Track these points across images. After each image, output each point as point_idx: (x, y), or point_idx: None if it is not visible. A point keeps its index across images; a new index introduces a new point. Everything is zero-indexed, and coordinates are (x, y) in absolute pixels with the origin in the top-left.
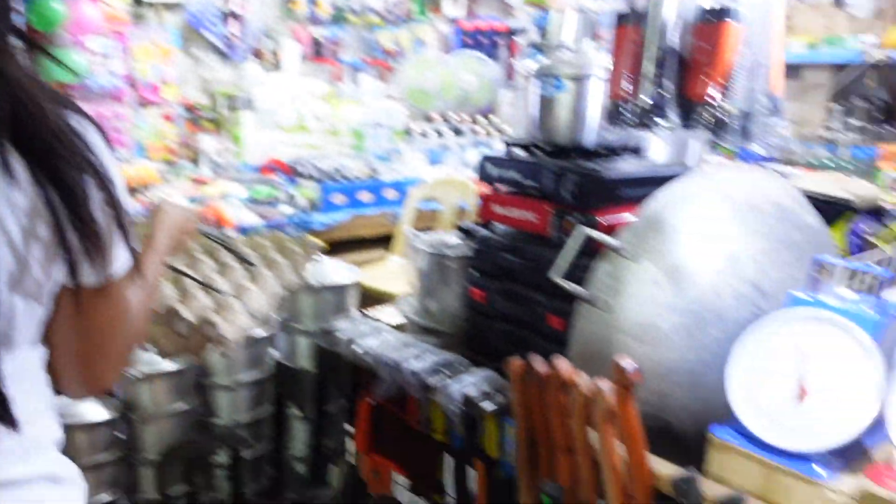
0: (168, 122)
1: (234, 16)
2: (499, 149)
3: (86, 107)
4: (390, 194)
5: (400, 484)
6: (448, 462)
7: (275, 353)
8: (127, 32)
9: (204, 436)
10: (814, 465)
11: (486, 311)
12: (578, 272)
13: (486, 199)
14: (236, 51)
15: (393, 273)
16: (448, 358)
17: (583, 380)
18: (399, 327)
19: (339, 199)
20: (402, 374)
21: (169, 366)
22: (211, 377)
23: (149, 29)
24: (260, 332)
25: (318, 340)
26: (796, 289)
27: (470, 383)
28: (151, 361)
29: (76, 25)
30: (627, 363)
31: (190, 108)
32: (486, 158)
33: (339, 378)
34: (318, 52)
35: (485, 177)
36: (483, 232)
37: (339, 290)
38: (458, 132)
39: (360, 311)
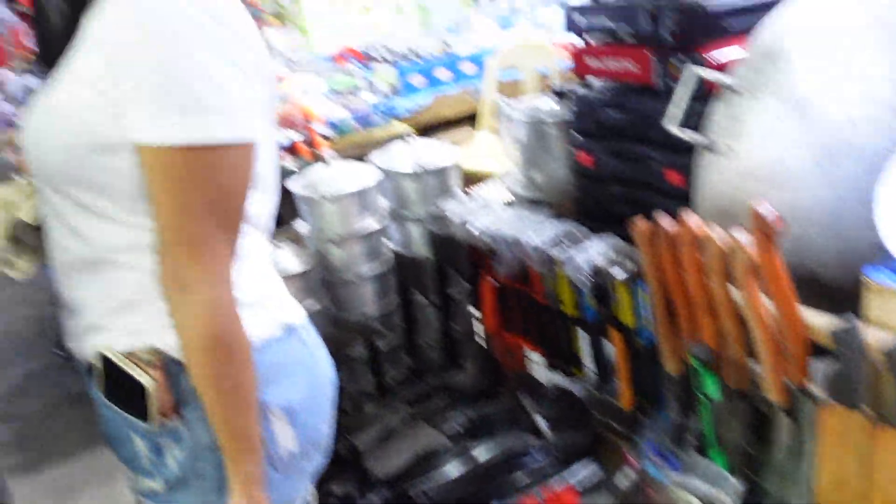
0: None
1: None
2: None
3: None
4: (468, 68)
5: (535, 361)
6: (582, 335)
7: (390, 244)
8: None
9: (340, 330)
10: None
11: (596, 174)
12: (693, 119)
13: (577, 54)
14: None
15: (485, 150)
16: (566, 227)
17: (717, 234)
18: (505, 202)
19: (417, 80)
20: (522, 248)
21: (295, 267)
22: (335, 274)
23: None
24: (373, 225)
25: (430, 226)
26: None
27: (594, 251)
28: (278, 265)
29: None
30: (767, 210)
31: (250, 4)
32: (571, 9)
33: (458, 261)
34: None
35: (572, 28)
36: (579, 91)
37: (442, 173)
38: None
39: (465, 191)
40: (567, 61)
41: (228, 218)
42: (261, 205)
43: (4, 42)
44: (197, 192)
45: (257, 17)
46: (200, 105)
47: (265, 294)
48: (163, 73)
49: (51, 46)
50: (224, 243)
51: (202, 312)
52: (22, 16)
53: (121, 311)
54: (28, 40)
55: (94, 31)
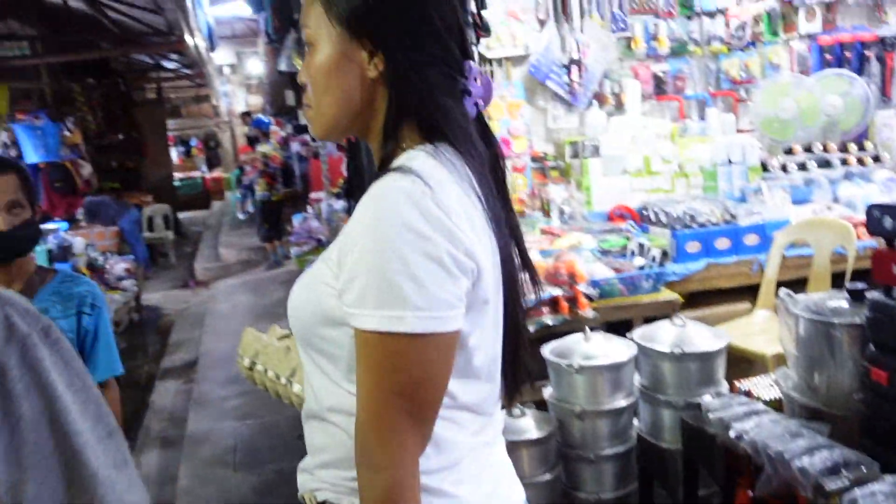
0: (518, 173)
1: (575, 63)
2: (883, 181)
3: None
4: (750, 240)
5: None
6: None
7: (637, 425)
8: None
9: None
10: None
11: (893, 395)
12: None
13: (880, 259)
14: (578, 97)
15: (759, 330)
16: (848, 456)
17: None
18: (775, 403)
19: (692, 246)
20: (789, 469)
21: (532, 433)
22: (574, 448)
23: (497, 85)
24: (621, 403)
25: (685, 415)
26: None
27: (882, 495)
28: (517, 429)
29: None
30: None
31: (537, 159)
32: (876, 207)
33: (711, 461)
34: (660, 89)
35: (875, 229)
36: (880, 296)
37: (706, 358)
38: (825, 164)
39: (729, 382)
40: (867, 242)
41: (419, 406)
42: (475, 393)
43: (322, 170)
44: (388, 377)
45: (541, 171)
46: (398, 299)
47: (461, 484)
48: (372, 267)
49: (355, 180)
50: (412, 430)
51: (381, 494)
52: (340, 148)
53: (327, 465)
54: (343, 168)
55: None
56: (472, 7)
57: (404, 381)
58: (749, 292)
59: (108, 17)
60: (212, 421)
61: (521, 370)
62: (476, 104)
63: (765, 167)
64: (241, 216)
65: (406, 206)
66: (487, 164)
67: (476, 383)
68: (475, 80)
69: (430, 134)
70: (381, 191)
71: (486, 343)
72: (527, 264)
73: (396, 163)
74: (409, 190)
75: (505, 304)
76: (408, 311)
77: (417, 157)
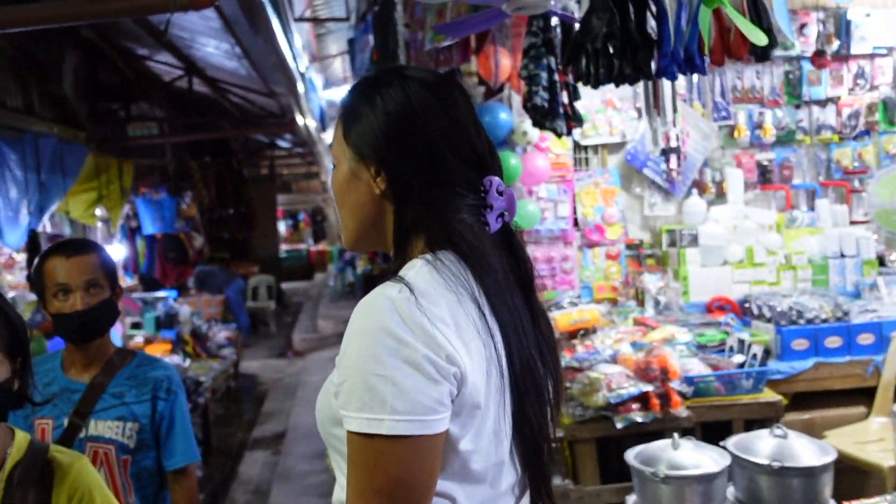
0: (612, 261)
1: (674, 151)
2: None
3: (537, 251)
4: (865, 339)
5: None
6: None
7: None
8: (572, 177)
9: None
10: None
11: None
12: None
13: None
14: (677, 186)
15: (875, 438)
16: None
17: None
18: None
19: (799, 344)
20: None
21: None
22: None
23: (591, 171)
24: None
25: None
26: None
27: None
28: None
29: (529, 176)
30: None
31: (633, 246)
32: None
33: None
34: (765, 178)
35: None
36: None
37: (810, 474)
38: None
39: (839, 498)
40: None
41: None
42: (476, 498)
43: None
44: (369, 477)
45: (636, 259)
46: (378, 402)
47: None
48: (356, 371)
49: None
50: None
51: None
52: None
53: None
54: None
55: None
56: (565, 98)
57: (384, 482)
58: (864, 396)
59: (229, 100)
60: (293, 497)
61: (545, 479)
62: (501, 216)
63: (882, 261)
64: (330, 282)
65: (388, 312)
66: (510, 273)
67: (478, 488)
68: (498, 193)
69: (436, 247)
70: (371, 298)
71: (483, 448)
72: (554, 373)
73: (398, 272)
74: (393, 297)
75: (521, 411)
76: (386, 415)
77: (413, 266)
